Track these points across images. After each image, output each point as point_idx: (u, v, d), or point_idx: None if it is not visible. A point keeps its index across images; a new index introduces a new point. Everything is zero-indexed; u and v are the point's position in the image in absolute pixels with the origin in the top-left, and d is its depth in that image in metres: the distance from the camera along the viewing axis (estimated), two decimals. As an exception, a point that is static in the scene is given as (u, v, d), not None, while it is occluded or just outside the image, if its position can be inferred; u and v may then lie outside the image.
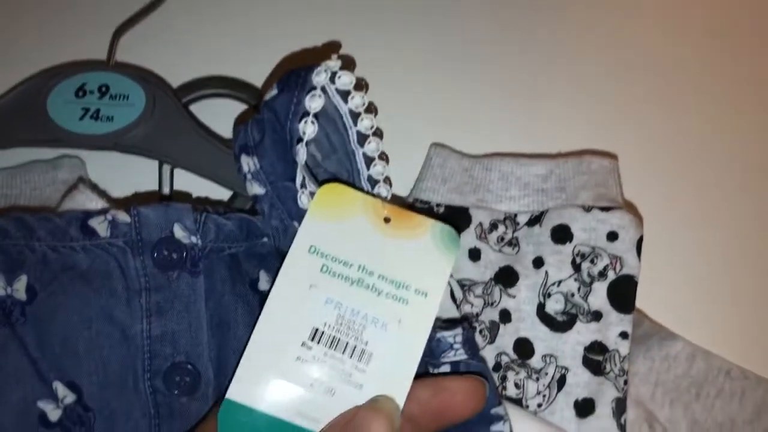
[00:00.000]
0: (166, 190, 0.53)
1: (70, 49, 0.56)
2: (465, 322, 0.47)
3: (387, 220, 0.41)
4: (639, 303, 0.54)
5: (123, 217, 0.45)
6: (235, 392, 0.37)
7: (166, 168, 0.53)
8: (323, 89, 0.43)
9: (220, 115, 0.56)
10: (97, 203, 0.49)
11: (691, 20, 0.66)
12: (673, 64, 0.65)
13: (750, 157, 0.63)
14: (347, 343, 0.38)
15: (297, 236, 0.40)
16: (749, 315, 0.60)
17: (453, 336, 0.45)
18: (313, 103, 0.43)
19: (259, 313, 0.39)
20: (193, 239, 0.45)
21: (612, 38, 0.65)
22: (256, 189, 0.45)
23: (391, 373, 0.38)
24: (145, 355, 0.44)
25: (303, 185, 0.44)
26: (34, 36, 0.60)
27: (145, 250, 0.45)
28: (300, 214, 0.43)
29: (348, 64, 0.43)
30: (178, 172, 0.52)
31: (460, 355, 0.45)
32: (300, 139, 0.43)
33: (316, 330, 0.38)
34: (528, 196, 0.56)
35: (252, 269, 0.47)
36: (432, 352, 0.44)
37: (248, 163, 0.45)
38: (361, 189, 0.45)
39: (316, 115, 0.43)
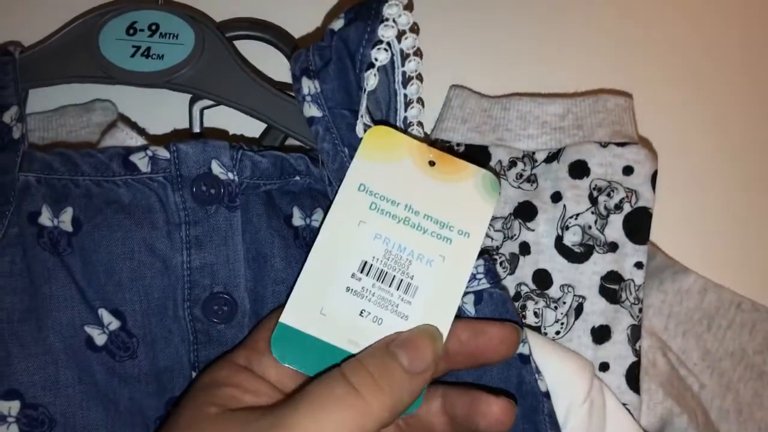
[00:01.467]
0: (196, 129, 0.55)
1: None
2: (486, 254, 0.49)
3: (432, 163, 0.43)
4: (652, 237, 0.56)
5: (163, 153, 0.47)
6: (288, 317, 0.40)
7: (197, 108, 0.54)
8: (394, 21, 0.45)
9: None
10: (136, 140, 0.50)
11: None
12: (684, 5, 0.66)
13: (763, 93, 0.65)
14: (394, 276, 0.41)
15: (347, 175, 0.42)
16: (760, 249, 0.62)
17: (476, 267, 0.47)
18: (387, 32, 0.45)
19: (310, 247, 0.41)
20: (230, 175, 0.47)
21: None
22: (313, 111, 0.47)
23: (435, 305, 0.41)
24: (185, 285, 0.46)
25: (362, 114, 0.46)
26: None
27: (185, 185, 0.47)
28: (352, 142, 0.46)
29: (409, 5, 0.46)
30: (209, 112, 0.54)
31: (483, 284, 0.47)
32: (371, 65, 0.45)
33: (365, 263, 0.41)
34: (546, 134, 0.58)
35: (285, 206, 0.49)
36: None
37: (309, 85, 0.47)
38: (407, 132, 0.48)
39: (388, 43, 0.45)
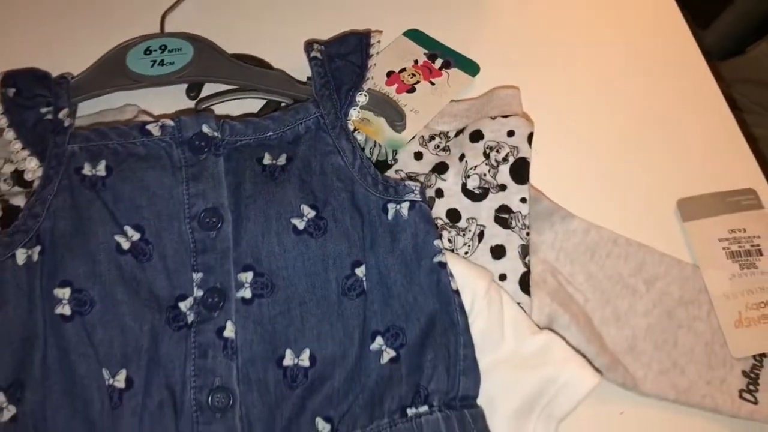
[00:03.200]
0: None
1: (130, 30, 0.81)
2: (419, 182, 0.68)
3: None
4: (543, 189, 0.74)
5: (169, 122, 0.68)
6: None
7: (200, 107, 0.76)
8: None
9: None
10: (151, 120, 0.72)
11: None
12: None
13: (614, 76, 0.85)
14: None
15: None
16: (627, 195, 0.78)
17: (414, 186, 0.67)
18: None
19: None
20: (216, 134, 0.68)
21: None
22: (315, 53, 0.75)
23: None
24: (185, 206, 0.65)
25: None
26: (105, 25, 0.87)
27: (184, 142, 0.67)
28: (341, 78, 0.73)
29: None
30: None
31: (417, 198, 0.67)
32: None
33: None
34: (456, 121, 0.78)
35: (259, 152, 0.68)
36: (397, 192, 0.66)
37: (317, 47, 0.74)
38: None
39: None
